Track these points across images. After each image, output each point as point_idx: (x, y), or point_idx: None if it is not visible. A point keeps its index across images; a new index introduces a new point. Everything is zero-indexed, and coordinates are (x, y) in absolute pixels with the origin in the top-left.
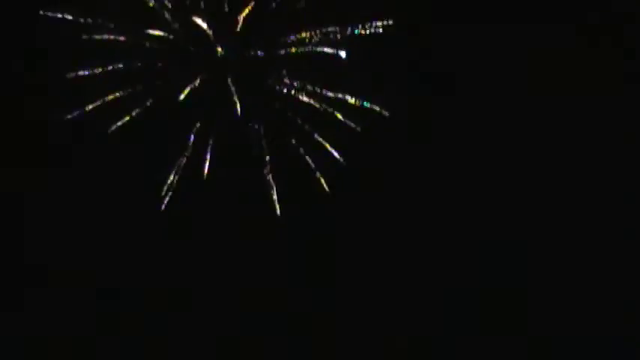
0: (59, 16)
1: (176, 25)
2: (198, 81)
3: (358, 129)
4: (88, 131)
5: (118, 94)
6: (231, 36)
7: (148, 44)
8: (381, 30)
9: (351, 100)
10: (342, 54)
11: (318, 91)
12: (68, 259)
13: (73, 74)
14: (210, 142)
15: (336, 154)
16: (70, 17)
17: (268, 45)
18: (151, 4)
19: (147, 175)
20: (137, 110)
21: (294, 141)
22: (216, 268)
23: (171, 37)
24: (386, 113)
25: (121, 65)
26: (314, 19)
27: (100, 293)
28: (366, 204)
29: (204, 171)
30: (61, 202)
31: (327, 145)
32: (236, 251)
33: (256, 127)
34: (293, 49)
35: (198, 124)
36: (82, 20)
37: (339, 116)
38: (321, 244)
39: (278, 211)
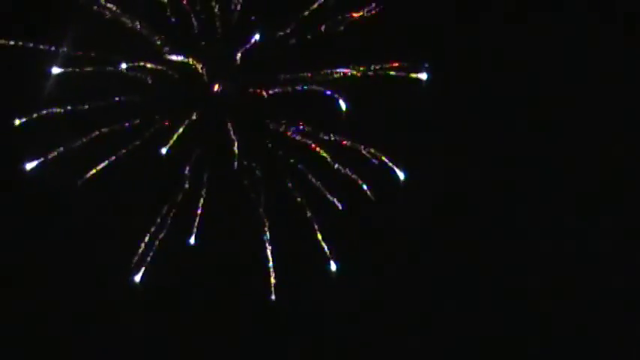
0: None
1: (170, 59)
2: (194, 116)
3: (372, 197)
4: (54, 182)
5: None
6: (228, 72)
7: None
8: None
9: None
10: (342, 105)
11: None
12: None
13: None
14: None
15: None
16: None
17: (267, 83)
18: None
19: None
20: (117, 154)
21: (290, 185)
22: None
23: (169, 72)
24: (401, 175)
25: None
26: (315, 58)
27: None
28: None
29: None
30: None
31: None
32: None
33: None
34: (290, 89)
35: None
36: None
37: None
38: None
39: (273, 295)
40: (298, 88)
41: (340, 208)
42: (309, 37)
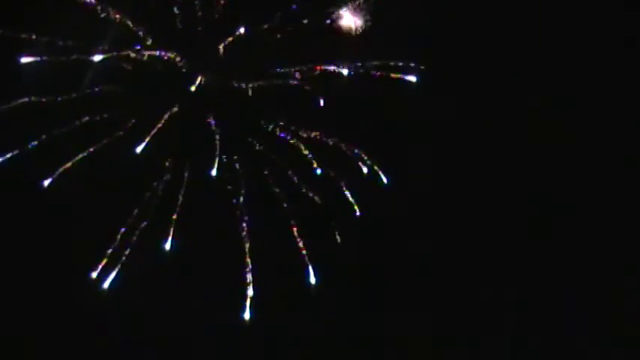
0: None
1: (152, 51)
2: (176, 108)
3: (357, 212)
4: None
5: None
6: (211, 66)
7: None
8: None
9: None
10: (321, 102)
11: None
12: None
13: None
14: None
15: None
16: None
17: (250, 77)
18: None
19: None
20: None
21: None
22: None
23: (151, 65)
24: (384, 180)
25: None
26: (300, 53)
27: None
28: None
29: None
30: None
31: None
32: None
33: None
34: (273, 83)
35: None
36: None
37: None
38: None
39: (247, 314)
40: (281, 82)
41: (319, 202)
42: (292, 31)
